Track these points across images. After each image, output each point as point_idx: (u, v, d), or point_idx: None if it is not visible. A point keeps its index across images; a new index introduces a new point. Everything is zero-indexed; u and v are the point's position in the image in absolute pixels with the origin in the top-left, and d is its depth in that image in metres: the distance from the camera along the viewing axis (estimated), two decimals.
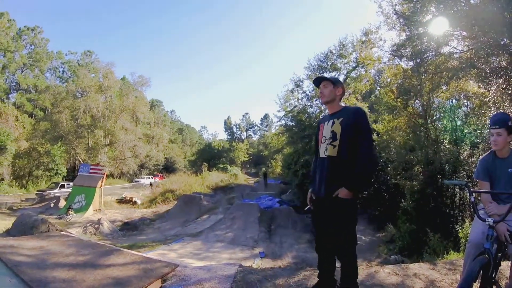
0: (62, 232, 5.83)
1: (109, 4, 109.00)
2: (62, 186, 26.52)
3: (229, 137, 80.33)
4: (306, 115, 22.30)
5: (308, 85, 22.79)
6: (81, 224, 15.89)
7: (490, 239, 2.39)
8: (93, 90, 29.73)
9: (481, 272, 2.23)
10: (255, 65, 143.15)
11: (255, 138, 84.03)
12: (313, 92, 21.46)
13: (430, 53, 11.53)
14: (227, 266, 4.02)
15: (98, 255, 4.09)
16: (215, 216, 17.40)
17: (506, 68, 8.59)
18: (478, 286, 2.31)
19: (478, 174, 2.99)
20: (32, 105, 44.52)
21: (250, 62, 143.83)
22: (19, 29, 46.03)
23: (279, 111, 24.78)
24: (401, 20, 12.88)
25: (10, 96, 44.82)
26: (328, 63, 22.07)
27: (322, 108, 19.71)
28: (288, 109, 23.74)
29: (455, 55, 10.61)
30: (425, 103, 13.38)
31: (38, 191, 27.00)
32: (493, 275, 2.37)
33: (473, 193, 2.70)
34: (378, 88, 23.43)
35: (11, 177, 32.83)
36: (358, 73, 22.31)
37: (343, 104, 3.01)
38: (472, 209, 2.96)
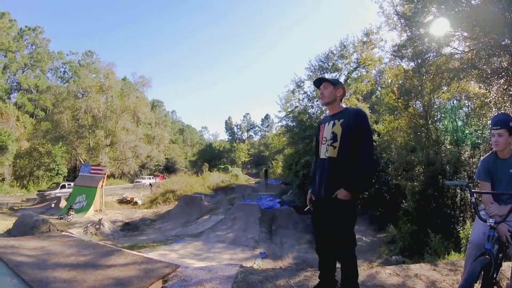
0: (63, 233, 5.83)
1: (110, 4, 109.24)
2: (63, 187, 26.56)
3: (230, 137, 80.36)
4: (307, 115, 22.30)
5: (309, 86, 22.81)
6: (82, 224, 15.89)
7: (491, 240, 2.39)
8: (94, 91, 29.78)
9: (482, 272, 2.23)
10: (255, 65, 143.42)
11: (256, 138, 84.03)
12: (314, 92, 21.45)
13: (431, 54, 11.52)
14: (228, 267, 4.02)
15: (99, 255, 4.10)
16: (216, 216, 17.39)
17: (507, 68, 8.58)
18: (479, 287, 2.31)
19: (479, 174, 2.98)
20: (33, 105, 44.60)
21: (250, 62, 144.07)
22: (20, 29, 46.16)
23: (280, 111, 24.82)
24: (402, 21, 12.86)
25: (11, 96, 44.97)
26: (329, 64, 22.07)
27: (323, 108, 19.69)
28: (289, 110, 23.74)
29: (456, 55, 10.60)
30: (426, 103, 13.37)
31: (39, 191, 27.00)
32: (494, 276, 2.37)
33: (474, 194, 2.69)
34: (379, 88, 23.41)
35: (12, 177, 32.87)
36: (359, 74, 22.30)
37: (344, 105, 3.01)
38: (473, 210, 2.95)
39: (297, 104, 23.48)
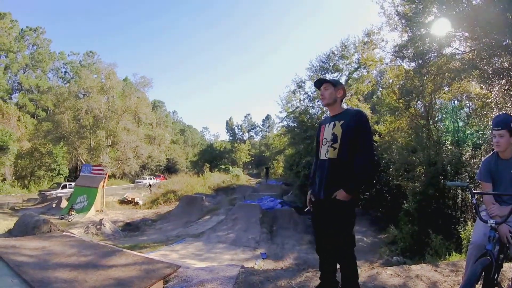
0: (64, 233, 5.83)
1: (110, 4, 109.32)
2: (64, 187, 26.55)
3: (231, 138, 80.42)
4: (308, 116, 22.32)
5: (310, 86, 22.83)
6: (83, 224, 15.91)
7: (492, 241, 2.38)
8: (95, 91, 29.78)
9: (483, 273, 2.23)
10: (256, 65, 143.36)
11: (257, 139, 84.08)
12: (315, 93, 21.45)
13: (432, 54, 11.53)
14: (229, 267, 4.02)
15: (100, 255, 4.10)
16: (216, 217, 17.41)
17: (509, 69, 8.57)
18: (480, 287, 2.31)
19: (480, 175, 2.98)
20: (34, 105, 44.67)
21: (251, 62, 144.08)
22: (22, 29, 46.23)
23: (281, 112, 24.91)
24: (403, 21, 12.88)
25: (12, 96, 45.08)
26: (330, 64, 22.11)
27: (324, 109, 19.70)
28: (290, 110, 23.78)
29: (457, 56, 10.60)
30: (427, 104, 13.37)
31: (40, 191, 26.97)
32: (495, 277, 2.36)
33: (475, 195, 2.69)
34: (380, 89, 23.37)
35: (13, 177, 32.85)
36: (360, 74, 22.30)
37: (345, 106, 3.01)
38: (474, 211, 2.94)
39: (298, 104, 23.54)
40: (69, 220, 17.12)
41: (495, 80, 8.86)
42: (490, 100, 9.41)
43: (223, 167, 48.49)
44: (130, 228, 17.20)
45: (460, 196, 10.83)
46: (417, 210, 11.34)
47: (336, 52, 22.09)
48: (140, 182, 40.24)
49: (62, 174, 36.26)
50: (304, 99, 23.23)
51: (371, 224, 15.52)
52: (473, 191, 2.69)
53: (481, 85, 9.76)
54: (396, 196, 14.91)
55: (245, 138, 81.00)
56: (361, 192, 16.16)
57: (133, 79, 34.82)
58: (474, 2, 9.34)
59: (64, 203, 20.94)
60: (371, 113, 20.41)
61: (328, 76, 21.92)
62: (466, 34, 9.85)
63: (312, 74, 22.39)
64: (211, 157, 61.45)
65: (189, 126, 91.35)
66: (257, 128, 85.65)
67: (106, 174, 22.62)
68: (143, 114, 32.15)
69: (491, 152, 2.98)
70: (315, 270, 3.73)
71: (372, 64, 20.58)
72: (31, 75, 46.88)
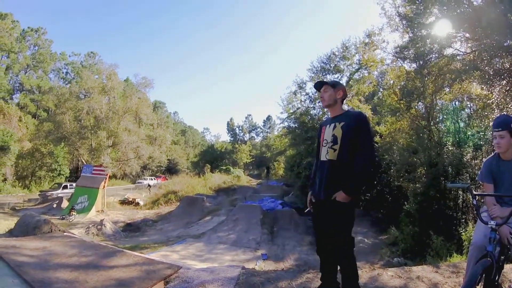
0: (64, 233, 5.84)
1: (111, 5, 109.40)
2: (65, 187, 26.55)
3: (232, 138, 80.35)
4: (309, 117, 22.31)
5: (311, 87, 22.79)
6: (83, 225, 15.91)
7: (492, 242, 2.38)
8: (96, 91, 29.85)
9: (484, 275, 2.22)
10: (257, 65, 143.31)
11: (258, 139, 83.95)
12: (316, 94, 21.41)
13: (433, 55, 11.53)
14: (230, 268, 4.02)
15: (101, 256, 4.10)
16: (217, 217, 17.40)
17: (510, 70, 8.58)
18: None
19: (482, 176, 2.97)
20: (36, 106, 44.70)
21: (252, 63, 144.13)
22: (23, 30, 46.27)
23: (282, 112, 24.93)
24: (404, 22, 12.87)
25: (13, 96, 45.11)
26: (331, 65, 22.10)
27: (325, 110, 19.69)
28: (291, 111, 23.78)
29: (458, 57, 10.61)
30: (428, 105, 13.36)
31: (41, 191, 26.98)
32: (496, 278, 2.36)
33: (476, 196, 2.69)
34: (381, 90, 23.37)
35: (14, 177, 32.89)
36: (361, 75, 22.29)
37: (346, 107, 3.02)
38: (475, 212, 2.94)
39: (299, 105, 23.52)
40: (70, 220, 17.12)
41: (496, 81, 8.87)
42: (491, 101, 9.41)
43: (224, 168, 48.46)
44: (131, 229, 17.20)
45: (461, 197, 10.83)
46: (418, 211, 11.33)
47: (337, 53, 22.10)
48: (141, 183, 40.27)
49: (63, 175, 36.30)
50: (305, 100, 23.24)
51: (372, 225, 15.50)
52: (474, 192, 2.68)
53: (482, 86, 9.75)
54: (397, 197, 14.91)
55: (246, 139, 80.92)
56: (362, 193, 16.16)
57: (134, 79, 34.94)
58: (475, 3, 9.35)
59: (65, 204, 20.97)
60: (372, 114, 20.41)
61: (329, 77, 21.98)
62: (467, 35, 9.86)
63: (313, 75, 22.42)
64: (212, 158, 61.42)
65: (190, 127, 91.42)
66: (258, 129, 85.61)
67: (107, 174, 22.65)
68: (144, 114, 32.21)
69: (493, 153, 2.98)
70: (316, 271, 3.72)
71: (373, 65, 20.58)
72: (32, 75, 46.94)
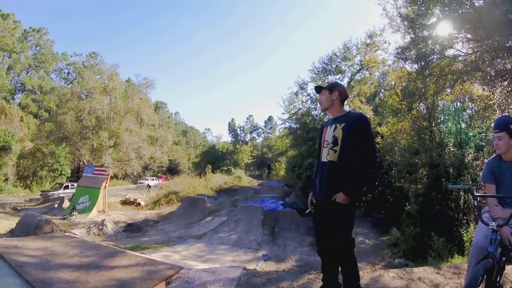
0: (66, 233, 5.85)
1: (112, 5, 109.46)
2: (66, 187, 26.55)
3: (233, 139, 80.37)
4: (310, 117, 22.30)
5: (312, 88, 22.75)
6: (84, 225, 15.92)
7: (494, 243, 2.38)
8: (98, 92, 29.95)
9: (485, 276, 2.22)
10: (257, 65, 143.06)
11: (259, 140, 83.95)
12: (318, 95, 21.38)
13: (435, 56, 11.51)
14: (231, 269, 4.02)
15: (102, 256, 4.10)
16: (218, 218, 17.39)
17: (511, 71, 8.56)
18: None
19: (484, 177, 2.98)
20: (37, 106, 44.81)
21: (252, 63, 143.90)
22: (25, 30, 46.40)
23: (283, 113, 24.90)
24: (405, 23, 12.86)
25: (15, 96, 45.27)
26: (333, 66, 22.07)
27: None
28: (292, 112, 23.76)
29: (459, 57, 10.60)
30: (429, 106, 13.34)
31: (42, 191, 26.96)
32: (498, 279, 2.36)
33: (477, 197, 2.69)
34: (382, 90, 23.31)
35: (16, 177, 32.93)
36: (363, 76, 22.24)
37: (347, 108, 3.04)
38: (476, 213, 2.95)
39: (300, 106, 23.50)
40: (71, 220, 17.13)
41: (497, 82, 8.86)
42: (492, 101, 9.39)
43: (225, 168, 48.39)
44: (132, 229, 17.19)
45: (462, 198, 10.81)
46: (419, 212, 11.31)
47: (338, 54, 22.06)
48: (142, 183, 40.29)
49: (64, 175, 36.31)
50: (307, 100, 23.20)
51: (373, 226, 15.48)
52: (475, 193, 2.69)
53: (484, 86, 9.75)
54: (399, 198, 14.88)
55: (247, 140, 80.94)
56: (363, 194, 16.16)
57: (136, 80, 35.07)
58: (476, 3, 9.34)
59: (66, 204, 20.97)
60: (373, 114, 20.38)
61: (331, 78, 22.01)
62: (469, 35, 9.86)
63: (314, 75, 22.41)
64: (213, 158, 61.39)
65: (191, 127, 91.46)
66: (259, 130, 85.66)
67: (108, 174, 22.64)
68: (145, 115, 32.31)
69: (494, 154, 2.98)
70: (317, 272, 3.73)
71: (374, 66, 20.54)
72: (34, 75, 47.09)
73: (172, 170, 56.55)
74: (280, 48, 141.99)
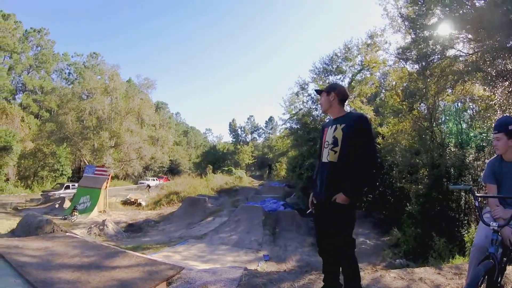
0: (67, 233, 5.85)
1: (112, 5, 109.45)
2: (67, 187, 26.55)
3: (234, 139, 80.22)
4: (311, 118, 22.32)
5: (313, 88, 22.84)
6: (85, 225, 15.93)
7: (494, 244, 2.37)
8: (99, 92, 29.93)
9: (486, 276, 2.22)
10: (257, 66, 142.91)
11: (260, 140, 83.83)
12: (319, 96, 21.39)
13: (436, 56, 11.50)
14: (232, 269, 4.03)
15: (103, 256, 4.11)
16: (219, 218, 17.40)
17: None
18: None
19: (485, 177, 2.98)
20: (38, 106, 44.80)
21: (252, 63, 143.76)
22: (26, 30, 46.41)
23: (284, 113, 24.93)
24: (406, 23, 12.85)
25: (16, 97, 45.30)
26: (333, 66, 22.08)
27: None
28: (293, 112, 23.78)
29: (460, 58, 10.59)
30: (430, 106, 13.33)
31: (43, 191, 26.98)
32: (499, 280, 2.35)
33: (478, 198, 2.69)
34: (383, 91, 23.29)
35: (17, 177, 32.95)
36: (363, 76, 22.23)
37: (348, 108, 3.04)
38: (477, 213, 2.95)
39: (301, 106, 23.54)
40: (72, 220, 17.14)
41: (498, 82, 8.85)
42: (493, 102, 9.39)
43: (226, 168, 48.41)
44: (133, 229, 17.20)
45: (463, 198, 10.79)
46: (420, 213, 11.31)
47: (339, 54, 22.06)
48: (143, 183, 40.32)
49: (65, 175, 36.33)
50: (307, 101, 23.23)
51: (374, 227, 15.48)
52: (476, 194, 2.68)
53: (485, 87, 9.74)
54: (399, 199, 14.87)
55: (248, 140, 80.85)
56: (364, 195, 16.15)
57: (137, 80, 35.09)
58: (477, 4, 9.33)
59: (67, 204, 20.97)
60: (374, 115, 20.37)
61: (331, 78, 22.03)
62: (470, 36, 9.85)
63: (315, 76, 22.43)
64: (214, 159, 61.41)
65: (192, 128, 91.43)
66: (260, 130, 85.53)
67: (109, 175, 22.65)
68: (146, 115, 32.30)
69: (495, 154, 2.99)
70: (318, 273, 3.73)
71: (375, 66, 20.52)
72: (35, 76, 47.10)
73: (173, 170, 56.59)
74: (281, 49, 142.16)
